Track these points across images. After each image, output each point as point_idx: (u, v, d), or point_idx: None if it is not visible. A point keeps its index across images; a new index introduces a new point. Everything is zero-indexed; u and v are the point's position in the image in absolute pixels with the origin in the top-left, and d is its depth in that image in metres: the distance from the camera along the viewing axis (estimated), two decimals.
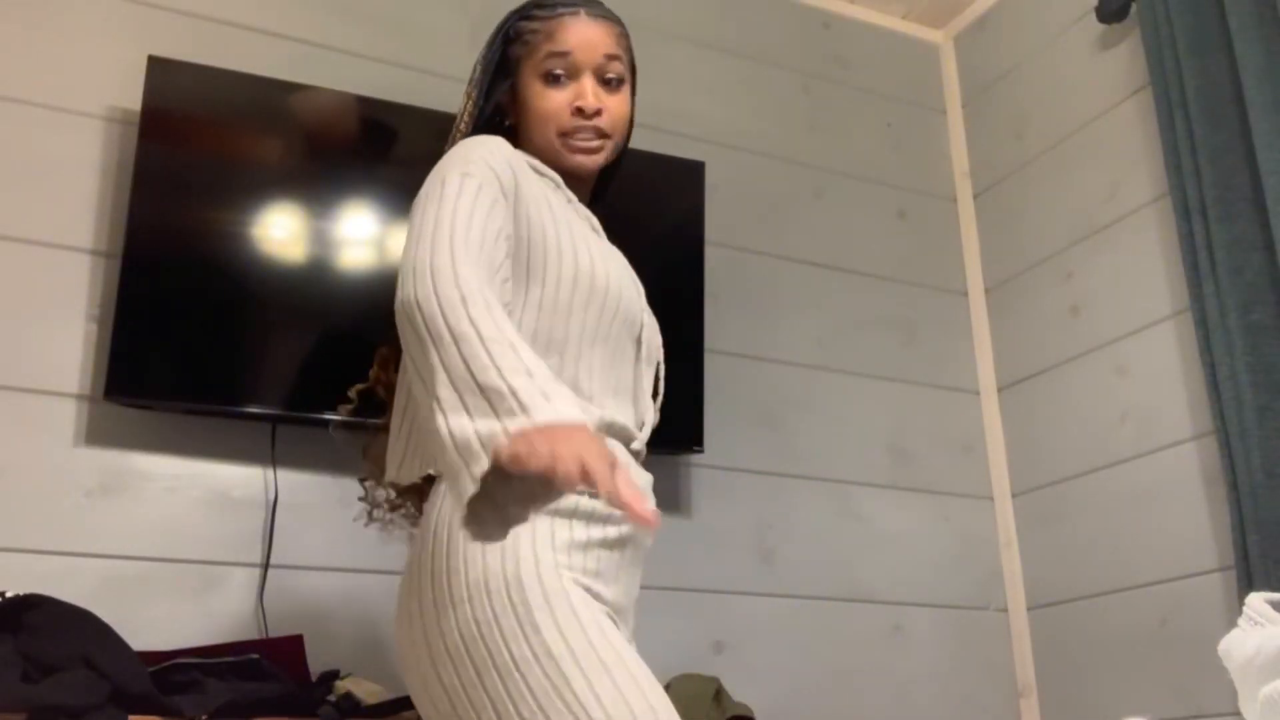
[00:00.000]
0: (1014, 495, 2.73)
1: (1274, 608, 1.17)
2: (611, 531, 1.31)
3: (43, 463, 1.93)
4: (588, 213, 1.50)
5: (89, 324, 2.02)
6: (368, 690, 1.84)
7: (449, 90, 2.44)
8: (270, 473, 2.07)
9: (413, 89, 2.36)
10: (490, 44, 1.56)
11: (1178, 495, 2.31)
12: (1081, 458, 2.54)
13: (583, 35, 1.48)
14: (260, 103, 2.15)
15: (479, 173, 1.33)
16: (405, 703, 1.84)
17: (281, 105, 2.17)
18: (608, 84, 1.49)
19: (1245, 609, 1.20)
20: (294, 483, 2.09)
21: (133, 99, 2.09)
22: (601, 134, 1.48)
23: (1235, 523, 2.07)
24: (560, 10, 1.51)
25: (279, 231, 2.10)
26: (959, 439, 2.78)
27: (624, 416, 1.41)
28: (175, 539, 1.98)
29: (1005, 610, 2.68)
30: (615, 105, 1.50)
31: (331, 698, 1.79)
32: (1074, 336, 2.61)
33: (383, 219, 2.19)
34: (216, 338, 2.02)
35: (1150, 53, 2.38)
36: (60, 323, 2.00)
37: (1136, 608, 2.37)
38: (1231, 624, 1.23)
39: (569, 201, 1.48)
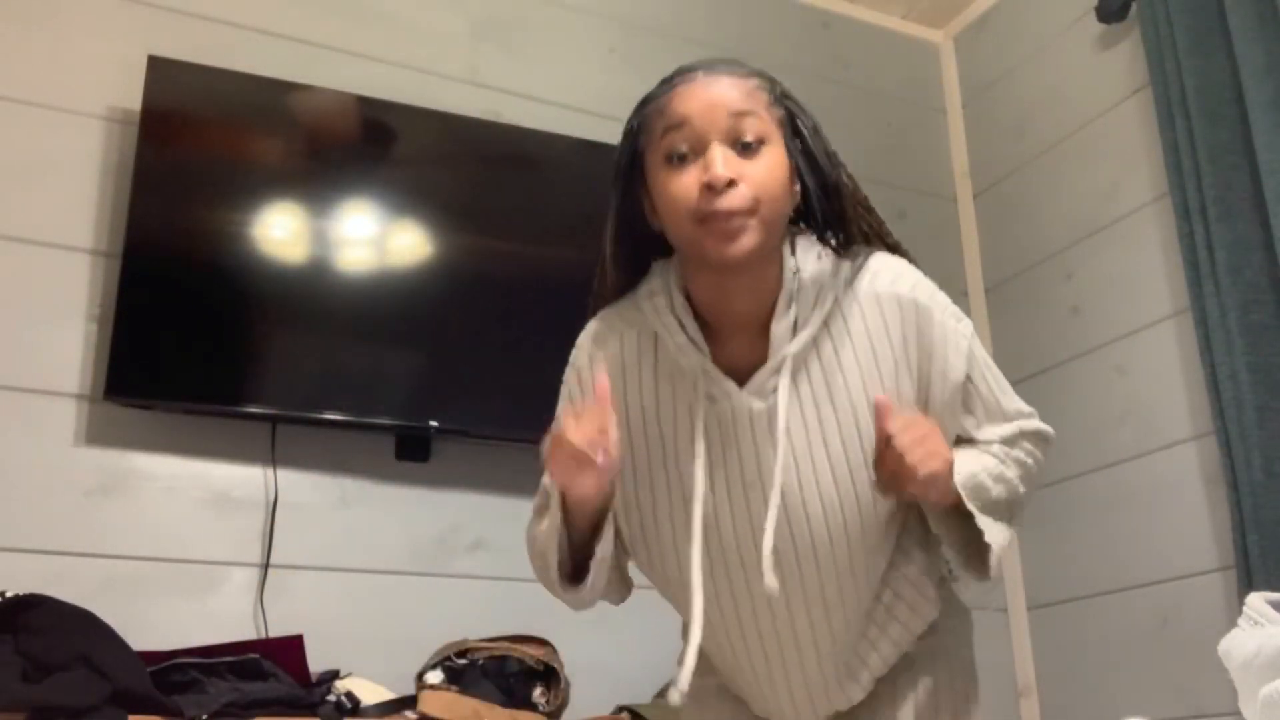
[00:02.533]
0: None
1: (1274, 608, 1.17)
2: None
3: (43, 463, 1.93)
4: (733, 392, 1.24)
5: (89, 324, 2.02)
6: (368, 690, 1.85)
7: (449, 90, 2.45)
8: (270, 473, 2.08)
9: (413, 89, 2.36)
10: (622, 152, 1.28)
11: (1178, 495, 2.31)
12: (1081, 458, 2.54)
13: (701, 99, 1.20)
14: (260, 103, 2.16)
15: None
16: (405, 703, 1.84)
17: (281, 105, 2.17)
18: (745, 149, 1.20)
19: (1245, 609, 1.20)
20: (294, 483, 2.09)
21: (133, 99, 2.10)
22: (744, 212, 1.17)
23: (1235, 523, 2.07)
24: (675, 80, 1.24)
25: (279, 231, 2.10)
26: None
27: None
28: (175, 539, 1.98)
29: (1005, 610, 2.68)
30: (756, 171, 1.19)
31: (331, 698, 1.79)
32: (1074, 336, 2.61)
33: (382, 219, 2.19)
34: (216, 338, 2.02)
35: (1150, 53, 2.38)
36: (60, 323, 2.00)
37: (1136, 608, 2.37)
38: (1231, 624, 1.23)
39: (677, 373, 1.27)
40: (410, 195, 2.22)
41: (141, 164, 2.02)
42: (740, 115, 1.20)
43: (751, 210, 1.18)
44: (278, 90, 2.18)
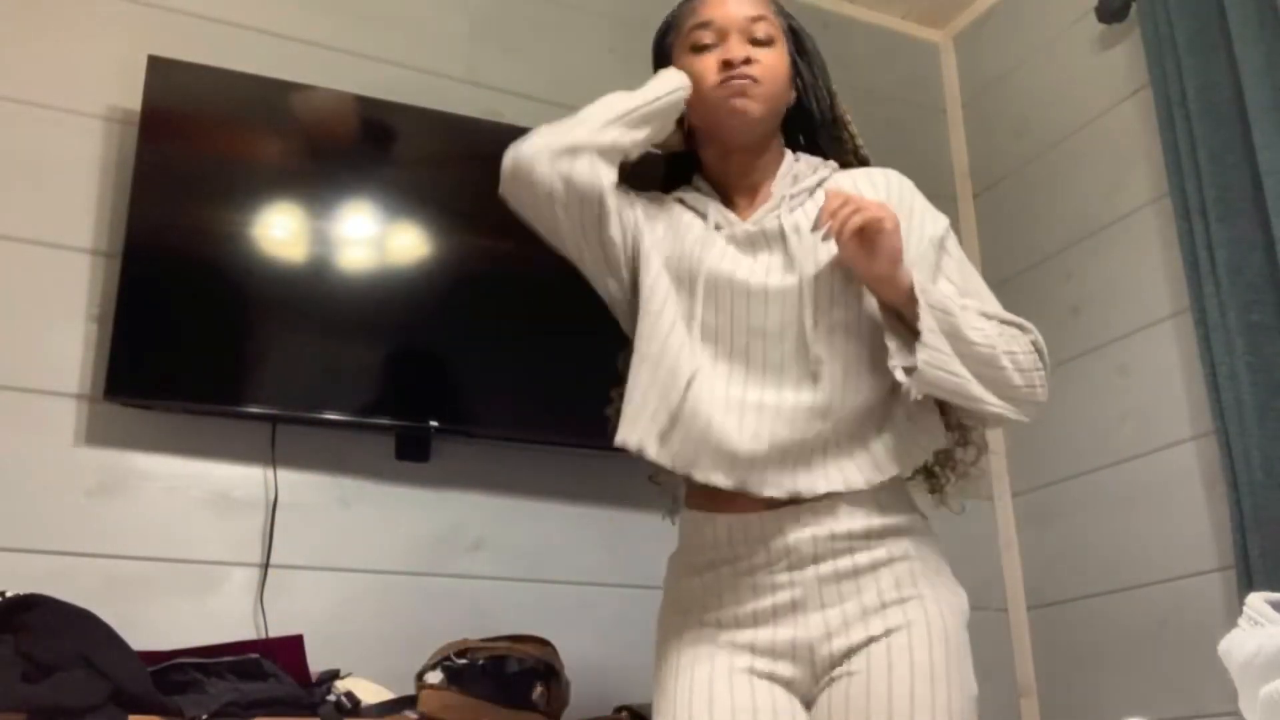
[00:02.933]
0: (1014, 495, 2.73)
1: (1274, 608, 1.17)
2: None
3: (43, 463, 1.93)
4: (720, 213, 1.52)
5: (89, 324, 2.02)
6: (368, 690, 1.85)
7: (449, 90, 2.45)
8: (270, 473, 2.08)
9: (413, 89, 2.36)
10: (654, 45, 1.62)
11: (1178, 495, 2.31)
12: (1081, 458, 2.54)
13: (724, 5, 1.52)
14: (260, 103, 2.15)
15: None
16: (405, 703, 1.84)
17: (281, 105, 2.17)
18: (756, 43, 1.51)
19: (1245, 609, 1.20)
20: (294, 483, 2.09)
21: (133, 99, 2.10)
22: (752, 79, 1.48)
23: (1235, 523, 2.07)
24: None
25: (279, 231, 2.10)
26: None
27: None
28: (175, 539, 1.98)
29: (1005, 610, 2.68)
30: (766, 56, 1.50)
31: (331, 698, 1.79)
32: (1074, 336, 2.61)
33: (383, 219, 2.19)
34: (216, 338, 2.02)
35: (1150, 53, 2.38)
36: (60, 323, 2.00)
37: (1136, 608, 2.37)
38: (1231, 624, 1.22)
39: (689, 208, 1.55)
40: (410, 195, 2.22)
41: (141, 164, 2.02)
42: (754, 19, 1.52)
43: (758, 81, 1.48)
44: (278, 90, 2.18)
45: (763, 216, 1.49)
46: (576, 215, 1.48)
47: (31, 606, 1.62)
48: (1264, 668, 1.12)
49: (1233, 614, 2.06)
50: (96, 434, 1.98)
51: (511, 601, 2.18)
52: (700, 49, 1.52)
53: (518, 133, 2.37)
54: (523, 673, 1.91)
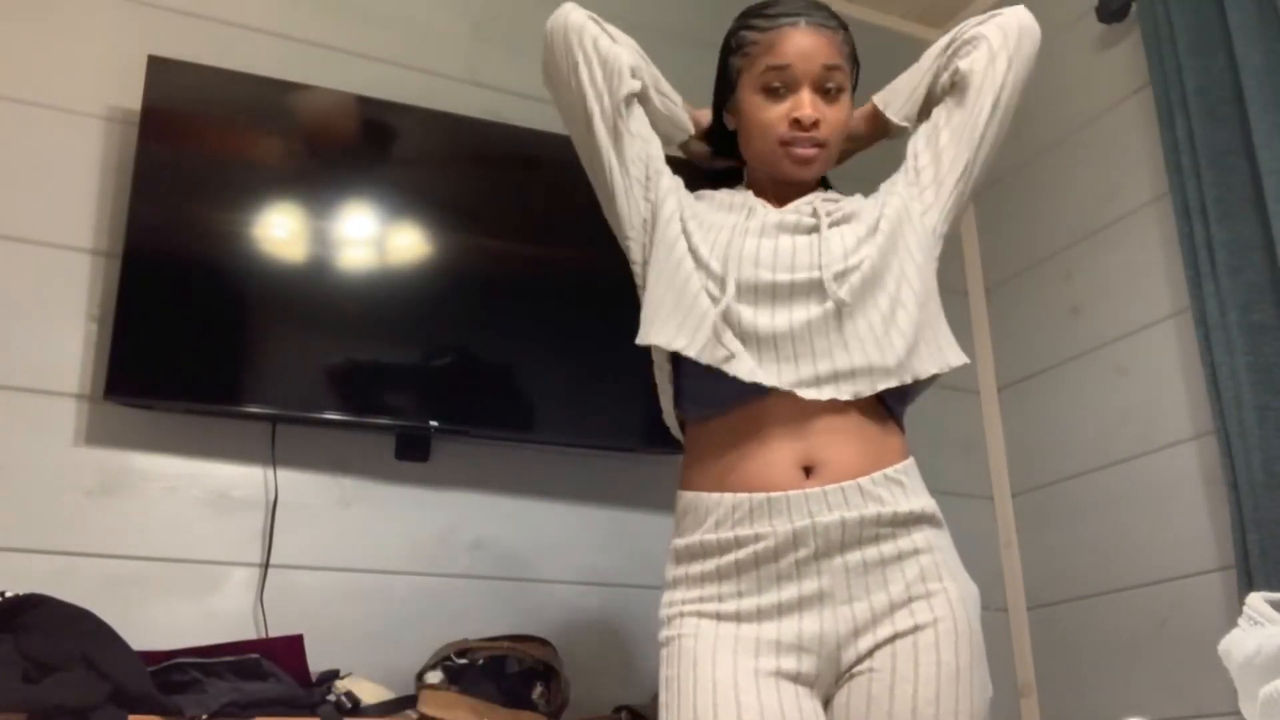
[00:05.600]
0: (1014, 495, 2.73)
1: (1274, 608, 1.17)
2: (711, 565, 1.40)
3: (43, 463, 1.93)
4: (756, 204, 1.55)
5: (89, 324, 2.02)
6: (368, 690, 1.85)
7: (449, 90, 2.45)
8: (270, 473, 2.08)
9: (413, 89, 2.36)
10: (720, 56, 1.60)
11: (1178, 495, 2.31)
12: (1081, 458, 2.54)
13: (801, 47, 1.49)
14: (260, 103, 2.16)
15: None
16: (405, 702, 1.84)
17: (281, 105, 2.17)
18: (826, 94, 1.51)
19: (1245, 609, 1.20)
20: (294, 483, 2.09)
21: (133, 99, 2.10)
22: (818, 144, 1.50)
23: (1235, 523, 2.07)
24: (781, 21, 1.51)
25: (279, 231, 2.10)
26: (959, 438, 2.78)
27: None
28: (175, 539, 1.98)
29: (1005, 610, 2.68)
30: (833, 115, 1.51)
31: (331, 698, 1.79)
32: (1074, 336, 2.61)
33: (383, 219, 2.19)
34: (216, 338, 2.02)
35: (1150, 53, 2.38)
36: (60, 323, 2.00)
37: (1136, 608, 2.37)
38: (1231, 624, 1.23)
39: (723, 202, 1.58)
40: (410, 195, 2.22)
41: (141, 164, 2.02)
42: (830, 68, 1.50)
43: (823, 145, 1.51)
44: (278, 90, 2.18)
45: (798, 206, 1.53)
46: (603, 84, 1.53)
47: (31, 606, 1.62)
48: (1264, 668, 1.12)
49: (1233, 614, 2.06)
50: (96, 434, 1.98)
51: (511, 601, 2.18)
52: (770, 92, 1.50)
53: (518, 133, 2.40)
54: (523, 673, 1.91)
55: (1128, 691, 2.35)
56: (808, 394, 1.38)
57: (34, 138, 2.07)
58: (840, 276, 1.42)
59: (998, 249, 2.88)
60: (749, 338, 1.40)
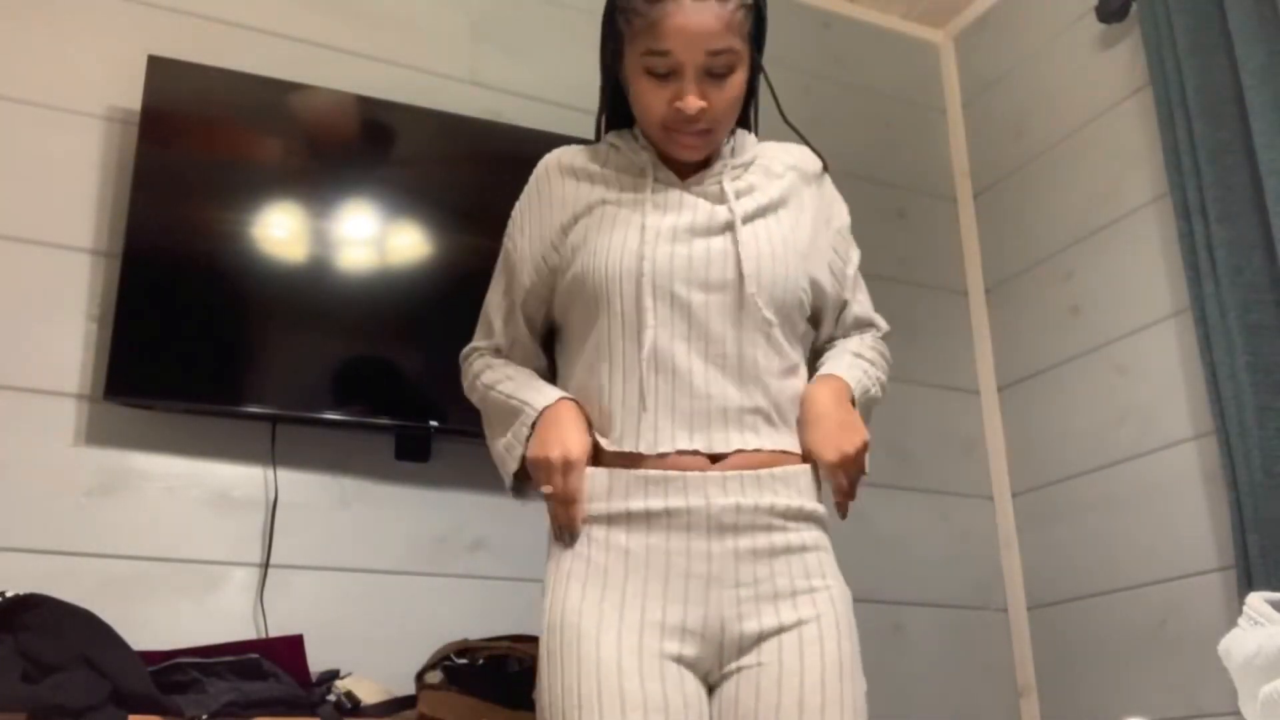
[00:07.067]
0: (1014, 495, 2.73)
1: (1274, 608, 1.17)
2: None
3: (43, 463, 1.93)
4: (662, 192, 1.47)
5: (89, 324, 2.02)
6: (368, 690, 1.85)
7: (449, 90, 2.45)
8: (270, 473, 2.08)
9: (413, 89, 2.36)
10: (604, 17, 1.46)
11: (1177, 495, 2.31)
12: (1081, 458, 2.54)
13: (684, 30, 1.34)
14: (260, 103, 2.16)
15: (505, 243, 1.64)
16: (405, 702, 1.84)
17: (281, 105, 2.17)
18: (713, 76, 1.38)
19: (1245, 609, 1.20)
20: (294, 483, 2.09)
21: (133, 99, 2.10)
22: (704, 131, 1.41)
23: (1235, 523, 2.07)
24: None
25: (279, 231, 2.10)
26: (959, 438, 2.78)
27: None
28: (175, 539, 1.98)
29: (1005, 610, 2.68)
30: (720, 97, 1.39)
31: (331, 698, 1.79)
32: (1074, 336, 2.61)
33: (383, 219, 2.19)
34: (216, 337, 2.02)
35: (1150, 53, 2.38)
36: (60, 323, 2.00)
37: (1136, 608, 2.37)
38: (1231, 624, 1.23)
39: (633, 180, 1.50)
40: (410, 195, 2.22)
41: (141, 164, 2.02)
42: (715, 54, 1.36)
43: (709, 130, 1.42)
44: (278, 90, 2.18)
45: (702, 180, 1.48)
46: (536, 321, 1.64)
47: (31, 606, 1.62)
48: (1264, 668, 1.12)
49: (1233, 614, 2.06)
50: (96, 434, 1.98)
51: (511, 601, 2.17)
52: (652, 75, 1.38)
53: (518, 133, 2.40)
54: (523, 673, 1.91)
55: (1128, 691, 2.35)
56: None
57: (34, 138, 2.07)
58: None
59: (998, 249, 2.88)
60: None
